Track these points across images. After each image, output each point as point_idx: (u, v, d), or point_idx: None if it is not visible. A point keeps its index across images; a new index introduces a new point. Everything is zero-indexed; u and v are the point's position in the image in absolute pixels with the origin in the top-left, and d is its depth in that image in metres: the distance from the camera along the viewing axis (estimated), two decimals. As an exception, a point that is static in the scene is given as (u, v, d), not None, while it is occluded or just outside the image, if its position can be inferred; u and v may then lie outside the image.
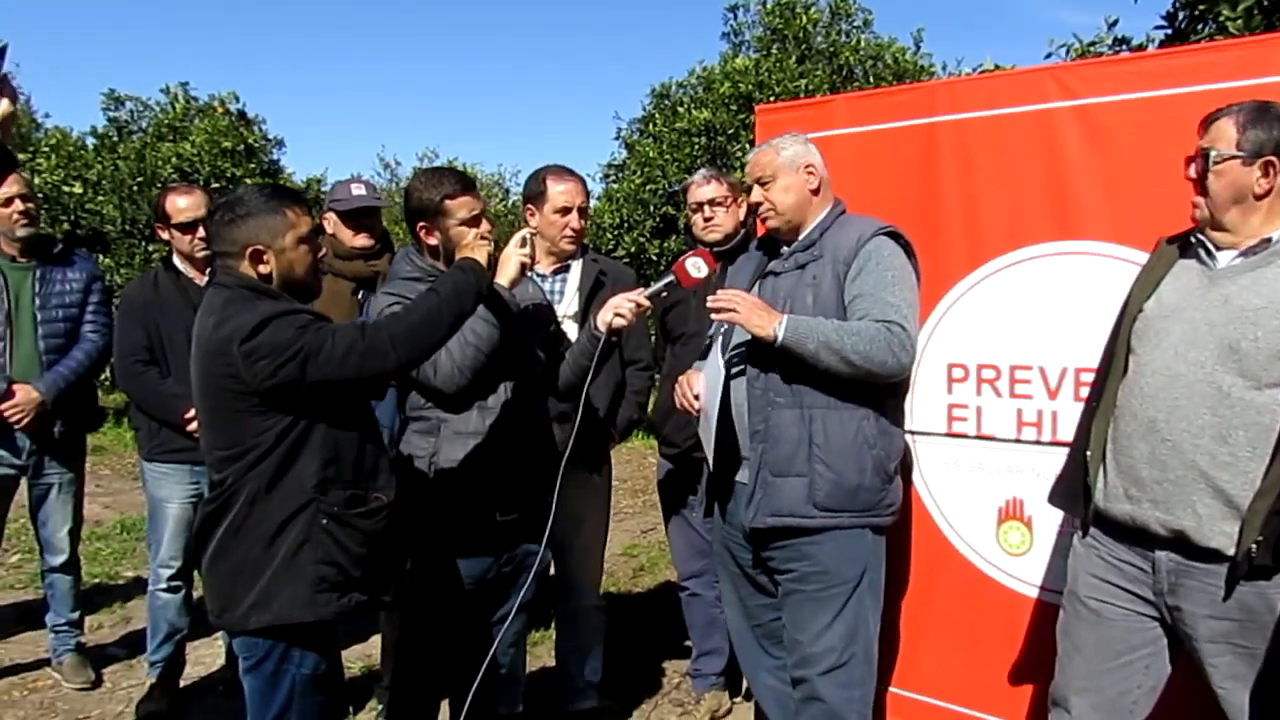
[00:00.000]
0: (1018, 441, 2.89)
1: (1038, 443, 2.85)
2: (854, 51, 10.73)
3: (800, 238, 2.75)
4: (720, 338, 2.83)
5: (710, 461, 2.78)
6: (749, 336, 2.66)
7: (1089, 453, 2.32)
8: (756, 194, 2.77)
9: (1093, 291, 2.70)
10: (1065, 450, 2.48)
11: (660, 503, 3.86)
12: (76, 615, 4.13)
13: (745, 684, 3.67)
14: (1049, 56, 5.44)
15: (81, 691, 3.98)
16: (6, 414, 3.73)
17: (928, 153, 3.05)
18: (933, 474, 3.06)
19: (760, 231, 3.02)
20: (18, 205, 3.78)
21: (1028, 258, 2.86)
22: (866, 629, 2.70)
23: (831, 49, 10.83)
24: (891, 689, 3.16)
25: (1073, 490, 2.38)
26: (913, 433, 2.99)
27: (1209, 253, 2.23)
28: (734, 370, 2.74)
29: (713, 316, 2.65)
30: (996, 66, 4.97)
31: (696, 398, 2.80)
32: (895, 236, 2.70)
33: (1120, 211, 2.71)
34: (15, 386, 3.74)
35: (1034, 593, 2.88)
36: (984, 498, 2.96)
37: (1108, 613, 2.32)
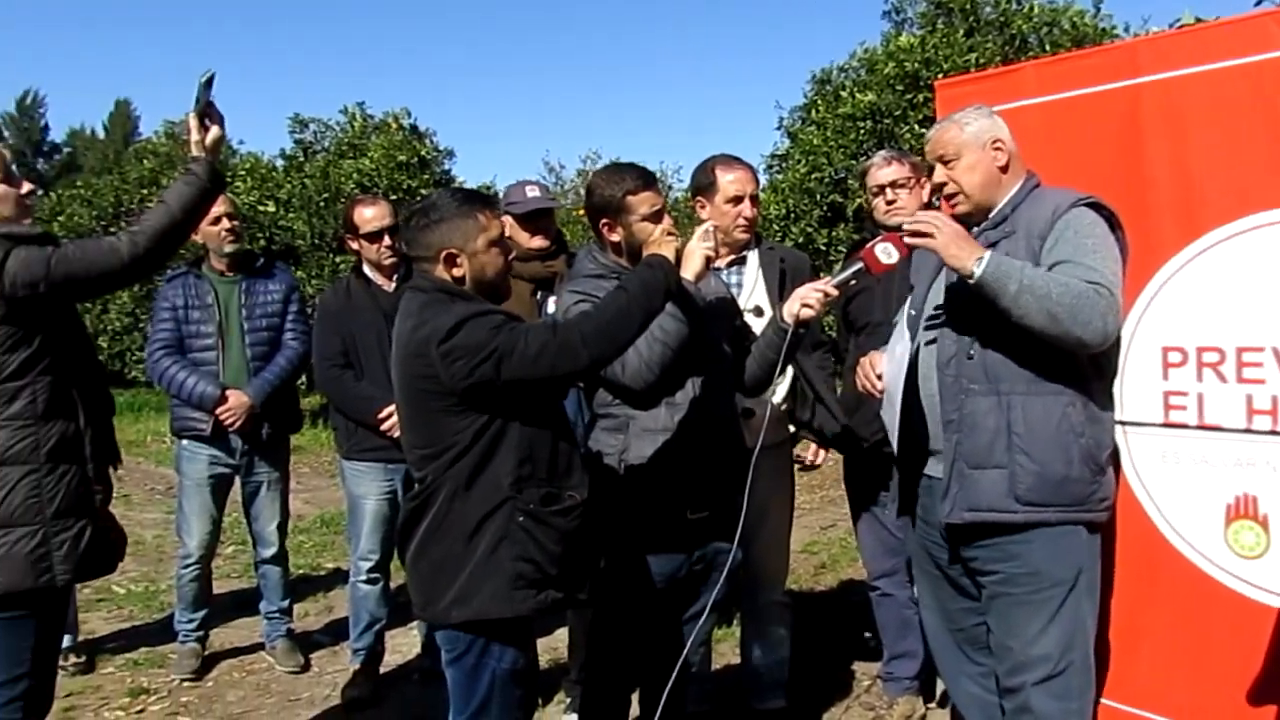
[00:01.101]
0: (1248, 431, 2.61)
1: (1273, 433, 2.57)
2: (1027, 19, 10.20)
3: (990, 215, 2.59)
4: (905, 318, 2.70)
5: (894, 445, 2.66)
6: (939, 319, 2.53)
7: None
8: (939, 174, 2.60)
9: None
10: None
11: (848, 499, 3.76)
12: (287, 603, 4.40)
13: (940, 689, 3.54)
14: (1260, 2, 4.90)
15: (292, 675, 4.23)
16: (221, 418, 4.00)
17: (1131, 118, 2.81)
18: (1148, 468, 2.82)
19: (946, 213, 2.87)
20: (225, 224, 4.07)
21: (1253, 227, 2.58)
22: (1084, 635, 2.53)
23: (1002, 18, 10.33)
24: (1104, 700, 2.94)
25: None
26: (1123, 423, 2.77)
27: None
28: (922, 355, 2.60)
29: (906, 240, 2.47)
30: (1198, 20, 4.56)
31: (879, 378, 2.69)
32: (1096, 207, 2.50)
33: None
34: (228, 392, 4.01)
35: (1272, 600, 2.61)
36: (1209, 494, 2.69)
37: None
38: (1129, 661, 2.91)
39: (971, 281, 2.37)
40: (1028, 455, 2.44)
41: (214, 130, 2.64)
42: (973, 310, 2.47)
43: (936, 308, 2.60)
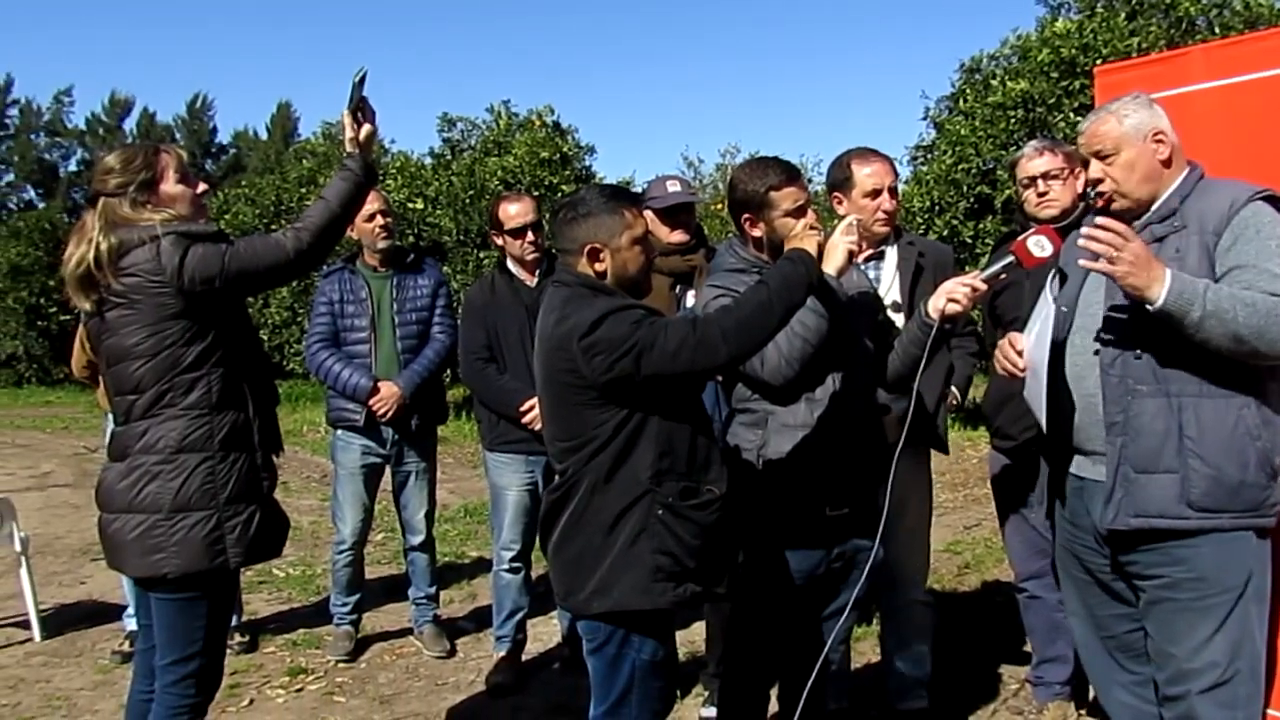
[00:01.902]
0: None
1: None
2: (1195, 1, 9.62)
3: (1154, 208, 2.45)
4: (1050, 307, 2.57)
5: (1043, 423, 2.52)
6: (1098, 315, 2.41)
7: None
8: (1095, 169, 2.44)
9: None
10: None
11: (994, 498, 3.64)
12: (434, 590, 4.56)
13: (1092, 695, 3.39)
14: None
15: (438, 660, 4.37)
16: (374, 408, 4.18)
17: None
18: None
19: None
20: (379, 220, 4.23)
21: None
22: (1253, 643, 2.39)
23: (1168, 1, 9.77)
24: (1272, 712, 2.77)
25: None
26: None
27: None
28: (1075, 350, 2.49)
29: (1080, 262, 2.33)
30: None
31: (1020, 354, 2.56)
32: (1273, 200, 2.34)
33: None
34: (380, 384, 4.18)
35: None
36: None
37: None
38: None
39: (1152, 309, 2.24)
40: (1201, 459, 2.31)
41: (367, 126, 2.75)
42: (1139, 310, 2.34)
43: (1096, 304, 2.47)
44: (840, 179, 3.33)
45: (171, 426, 2.59)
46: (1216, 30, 9.44)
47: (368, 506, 4.40)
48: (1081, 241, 2.28)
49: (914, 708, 3.48)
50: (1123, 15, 9.65)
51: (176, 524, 2.57)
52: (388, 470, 4.41)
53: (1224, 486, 2.31)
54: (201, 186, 2.76)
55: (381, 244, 4.25)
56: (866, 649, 4.08)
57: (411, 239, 11.85)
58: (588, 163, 12.87)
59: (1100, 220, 2.26)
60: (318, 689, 4.08)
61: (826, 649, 2.63)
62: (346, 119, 2.74)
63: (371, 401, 4.16)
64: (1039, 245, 2.52)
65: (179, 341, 2.58)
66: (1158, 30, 9.44)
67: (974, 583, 5.31)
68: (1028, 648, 3.64)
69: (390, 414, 4.19)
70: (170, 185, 2.65)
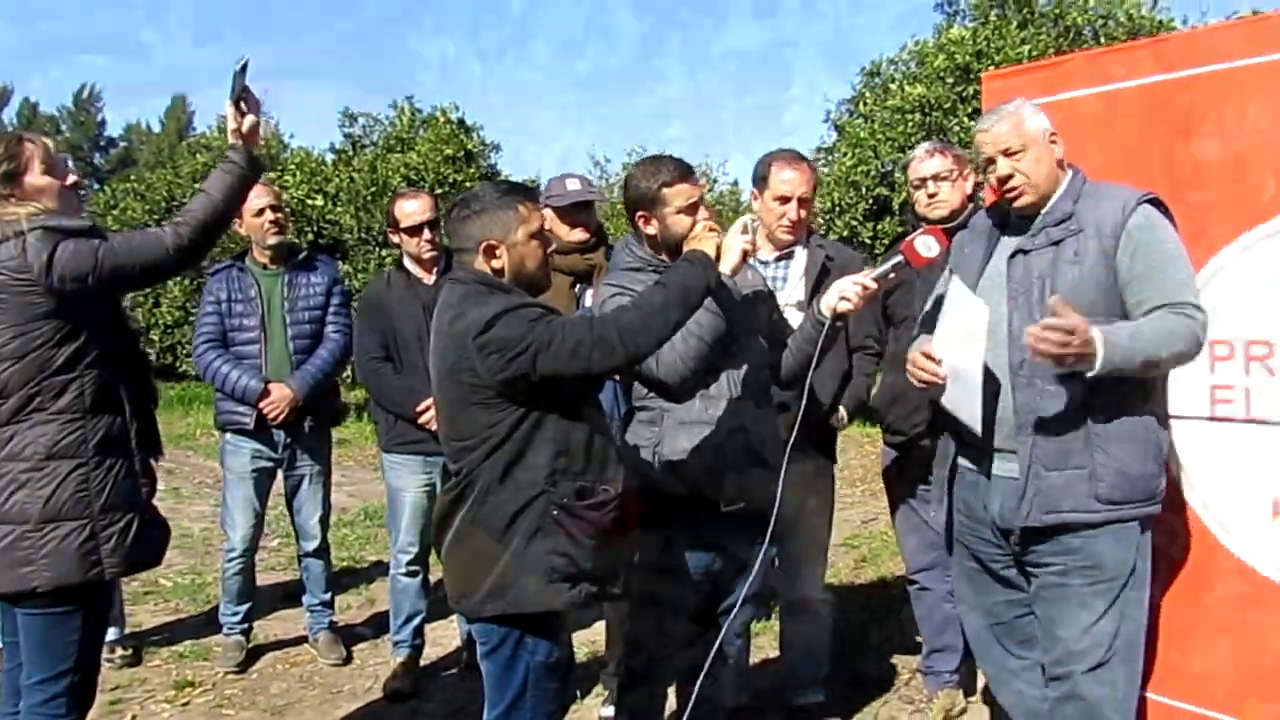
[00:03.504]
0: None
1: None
2: (1082, 11, 10.01)
3: (1047, 210, 2.53)
4: (956, 293, 2.62)
5: (977, 429, 2.52)
6: (1003, 309, 2.49)
7: None
8: (1005, 166, 2.51)
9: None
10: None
11: (886, 493, 3.72)
12: (329, 596, 4.44)
13: (981, 683, 3.49)
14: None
15: (334, 667, 4.27)
16: (265, 411, 4.05)
17: (1185, 109, 2.75)
18: (1193, 461, 2.77)
19: (990, 199, 2.81)
20: (269, 215, 4.10)
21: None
22: (1134, 626, 2.52)
23: (1057, 11, 10.15)
24: (1150, 695, 2.89)
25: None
26: (1171, 417, 2.71)
27: None
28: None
29: (1033, 359, 2.36)
30: (1255, 13, 4.46)
31: (937, 361, 2.59)
32: (1158, 204, 2.47)
33: None
34: (271, 385, 4.05)
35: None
36: (1257, 488, 2.65)
37: None
38: (1175, 656, 2.86)
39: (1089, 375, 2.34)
40: (1108, 454, 2.43)
41: (250, 117, 2.65)
42: (1040, 312, 2.42)
43: (997, 303, 2.53)
44: (759, 176, 3.36)
45: (41, 432, 2.47)
46: (1102, 40, 9.85)
47: (259, 512, 4.25)
48: (1030, 341, 2.32)
49: (810, 701, 3.53)
50: (1015, 24, 9.99)
51: (46, 535, 2.45)
52: (280, 475, 4.28)
53: (1128, 479, 2.44)
54: (71, 178, 2.63)
55: (271, 240, 4.12)
56: (766, 644, 4.12)
57: (311, 236, 11.57)
58: (493, 161, 12.75)
59: (1045, 323, 2.31)
60: (205, 702, 3.94)
61: (720, 643, 2.64)
62: (229, 110, 2.65)
63: (262, 404, 4.02)
64: (926, 245, 2.59)
65: (49, 342, 2.45)
66: (1048, 39, 9.78)
67: (870, 576, 5.42)
68: (920, 638, 3.73)
69: (282, 417, 4.06)
70: (35, 177, 2.52)
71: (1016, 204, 2.54)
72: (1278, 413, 2.60)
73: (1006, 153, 2.52)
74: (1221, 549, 2.74)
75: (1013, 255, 2.56)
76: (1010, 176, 2.51)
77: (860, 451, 8.90)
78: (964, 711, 3.58)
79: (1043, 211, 2.54)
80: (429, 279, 3.91)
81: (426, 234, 3.87)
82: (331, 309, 4.25)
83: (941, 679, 3.59)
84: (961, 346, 2.51)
